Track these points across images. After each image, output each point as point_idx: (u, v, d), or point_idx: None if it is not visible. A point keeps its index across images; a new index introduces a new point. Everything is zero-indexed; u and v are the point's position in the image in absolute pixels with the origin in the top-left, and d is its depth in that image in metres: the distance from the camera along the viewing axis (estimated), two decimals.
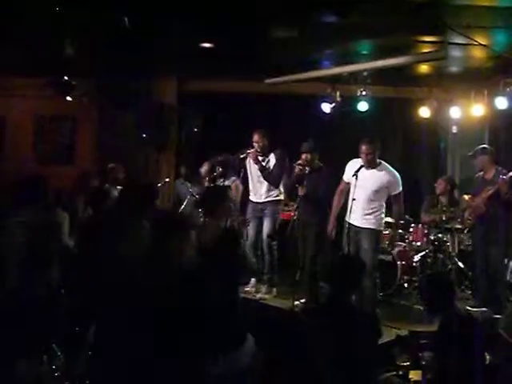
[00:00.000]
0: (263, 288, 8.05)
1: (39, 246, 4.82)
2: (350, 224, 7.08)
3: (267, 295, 7.95)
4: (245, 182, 8.35)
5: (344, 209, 7.20)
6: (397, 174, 7.12)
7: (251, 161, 8.12)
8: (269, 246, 8.07)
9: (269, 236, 7.98)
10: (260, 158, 8.03)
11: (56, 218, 5.52)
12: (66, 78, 8.79)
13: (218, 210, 5.49)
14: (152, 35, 7.13)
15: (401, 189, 7.10)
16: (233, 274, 4.38)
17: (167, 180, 9.37)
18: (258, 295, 7.95)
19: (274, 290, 8.05)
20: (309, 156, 7.55)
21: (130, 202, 5.16)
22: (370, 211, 7.06)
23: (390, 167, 7.13)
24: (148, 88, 9.84)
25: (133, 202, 5.11)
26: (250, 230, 8.16)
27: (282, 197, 8.18)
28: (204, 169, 8.55)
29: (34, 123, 10.37)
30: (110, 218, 5.19)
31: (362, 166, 6.99)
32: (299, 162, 7.56)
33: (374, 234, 7.06)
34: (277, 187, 8.07)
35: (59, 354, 4.47)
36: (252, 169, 8.20)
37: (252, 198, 8.26)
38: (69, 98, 9.21)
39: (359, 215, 7.07)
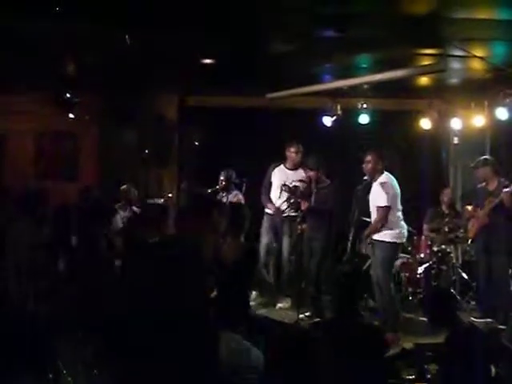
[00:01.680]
0: (282, 299, 8.09)
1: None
2: (371, 239, 7.09)
3: (284, 304, 8.00)
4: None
5: (345, 222, 7.20)
6: (387, 187, 6.97)
7: (277, 174, 8.16)
8: (288, 260, 8.11)
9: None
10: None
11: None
12: (68, 95, 8.84)
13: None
14: (153, 51, 7.16)
15: (385, 204, 6.93)
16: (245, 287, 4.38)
17: (170, 195, 9.39)
18: (278, 305, 8.02)
19: (289, 300, 8.06)
20: (314, 174, 7.57)
21: None
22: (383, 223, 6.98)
23: (389, 179, 7.05)
24: (149, 104, 9.87)
25: None
26: (265, 243, 8.18)
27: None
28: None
29: (36, 140, 10.38)
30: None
31: (366, 180, 7.02)
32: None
33: (388, 246, 6.96)
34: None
35: (64, 372, 4.45)
36: (277, 181, 8.17)
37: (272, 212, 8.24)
38: (71, 115, 9.25)
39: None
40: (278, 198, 8.11)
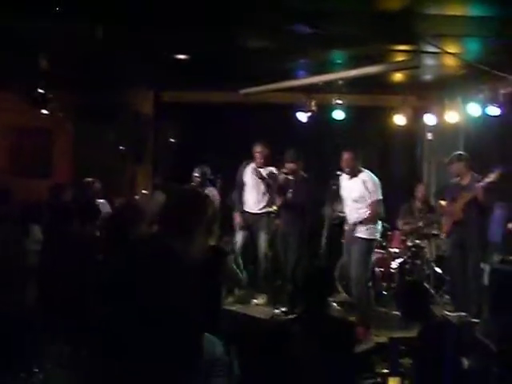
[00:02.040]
0: (258, 295, 8.09)
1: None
2: (346, 233, 7.13)
3: (260, 300, 8.01)
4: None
5: (319, 218, 7.22)
6: (375, 180, 7.09)
7: (249, 172, 8.14)
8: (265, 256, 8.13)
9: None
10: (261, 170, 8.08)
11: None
12: (41, 90, 8.74)
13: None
14: (126, 47, 7.11)
15: (379, 196, 7.06)
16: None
17: (144, 192, 9.34)
18: (253, 302, 8.02)
19: (265, 296, 8.07)
20: (294, 165, 7.59)
21: None
22: (360, 220, 7.01)
23: (369, 174, 7.11)
24: (124, 100, 9.81)
25: None
26: (240, 240, 8.18)
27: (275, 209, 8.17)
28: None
29: (9, 137, 10.27)
30: None
31: (339, 175, 7.03)
32: (284, 170, 7.60)
33: (365, 243, 6.99)
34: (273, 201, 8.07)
35: (36, 370, 4.43)
36: (250, 179, 8.20)
37: (249, 209, 8.25)
38: (44, 111, 9.15)
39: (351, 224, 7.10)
40: (253, 196, 8.14)
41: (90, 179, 8.58)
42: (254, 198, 8.15)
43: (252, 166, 8.18)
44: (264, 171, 8.07)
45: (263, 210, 8.09)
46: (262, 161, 8.05)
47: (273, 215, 7.84)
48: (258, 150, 8.09)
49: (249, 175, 8.19)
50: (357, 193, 7.03)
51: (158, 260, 3.16)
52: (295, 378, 3.04)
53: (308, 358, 3.16)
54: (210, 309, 4.11)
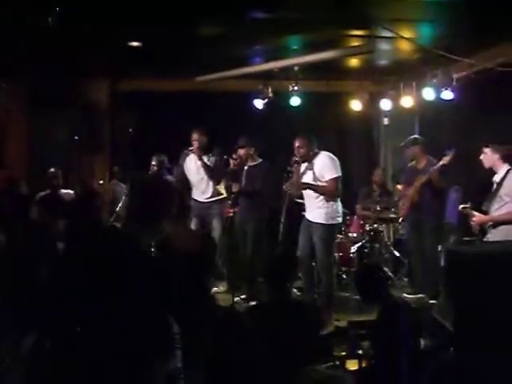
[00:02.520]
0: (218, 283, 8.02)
1: None
2: (305, 219, 7.06)
3: (220, 288, 7.93)
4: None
5: (280, 204, 7.18)
6: (331, 159, 6.93)
7: (192, 160, 8.08)
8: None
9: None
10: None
11: None
12: None
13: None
14: (78, 35, 6.98)
15: (335, 175, 6.86)
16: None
17: (101, 182, 9.23)
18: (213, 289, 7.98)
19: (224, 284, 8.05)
20: (245, 151, 7.55)
21: None
22: (319, 204, 6.90)
23: (326, 154, 6.97)
24: (79, 89, 9.64)
25: None
26: (194, 226, 8.14)
27: (225, 194, 8.17)
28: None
29: None
30: None
31: (296, 161, 6.98)
32: (234, 156, 7.56)
33: (326, 228, 6.86)
34: (218, 184, 8.06)
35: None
36: (193, 167, 8.14)
37: (197, 197, 8.21)
38: None
39: (310, 209, 7.01)
40: (199, 185, 8.14)
41: (53, 169, 8.43)
42: (199, 187, 8.12)
43: (191, 155, 8.12)
44: (206, 158, 8.03)
45: (211, 199, 8.06)
46: (199, 148, 7.99)
47: (228, 202, 7.81)
48: (194, 137, 8.01)
49: (192, 163, 8.14)
50: (310, 178, 6.94)
51: (121, 251, 3.11)
52: (255, 365, 3.03)
53: (270, 345, 3.15)
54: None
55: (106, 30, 6.94)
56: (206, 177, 8.06)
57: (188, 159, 8.18)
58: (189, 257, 3.55)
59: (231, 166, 7.57)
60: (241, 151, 7.58)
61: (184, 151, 8.18)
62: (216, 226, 8.02)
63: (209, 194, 8.09)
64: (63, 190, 8.26)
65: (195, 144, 7.99)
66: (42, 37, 6.83)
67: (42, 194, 8.10)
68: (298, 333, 4.05)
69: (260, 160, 7.70)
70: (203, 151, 8.03)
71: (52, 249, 4.61)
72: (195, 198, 8.21)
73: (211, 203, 8.08)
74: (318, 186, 6.86)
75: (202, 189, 8.08)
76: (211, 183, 8.07)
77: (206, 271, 3.90)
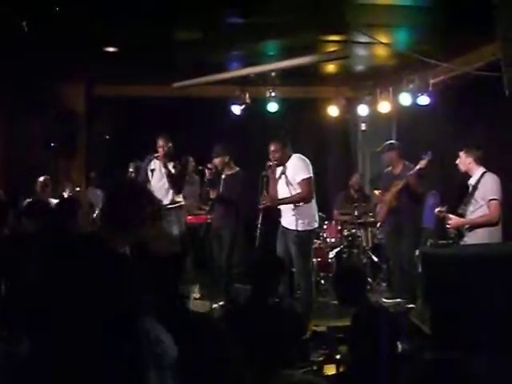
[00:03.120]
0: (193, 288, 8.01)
1: None
2: (281, 225, 7.00)
3: (197, 294, 7.85)
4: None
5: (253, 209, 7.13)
6: (301, 160, 6.84)
7: (157, 165, 8.01)
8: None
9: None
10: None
11: None
12: None
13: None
14: (53, 40, 6.92)
15: (306, 175, 6.74)
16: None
17: (78, 189, 9.15)
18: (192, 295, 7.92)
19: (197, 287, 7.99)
20: (220, 160, 7.54)
21: None
22: (293, 212, 6.76)
23: (297, 156, 6.89)
24: (54, 94, 9.56)
25: None
26: None
27: (183, 202, 8.13)
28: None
29: None
30: None
31: (271, 166, 6.94)
32: (210, 165, 7.55)
33: (301, 234, 6.73)
34: (179, 193, 8.00)
35: None
36: (156, 173, 8.05)
37: None
38: None
39: (285, 216, 6.94)
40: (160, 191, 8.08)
41: (42, 178, 8.36)
42: (158, 194, 8.05)
43: (157, 160, 8.02)
44: (170, 165, 7.95)
45: (169, 206, 8.00)
46: (165, 155, 7.91)
47: (207, 208, 7.79)
48: (160, 144, 7.89)
49: (156, 169, 8.03)
50: (283, 182, 6.86)
51: (94, 257, 3.08)
52: (230, 368, 3.00)
53: (245, 348, 3.12)
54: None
55: (82, 34, 6.88)
56: (166, 184, 7.96)
57: (152, 163, 8.06)
58: (162, 259, 3.52)
59: (207, 175, 7.56)
60: (216, 160, 7.57)
61: (148, 156, 8.08)
62: (176, 230, 7.98)
63: (167, 202, 7.99)
64: (52, 199, 8.16)
65: (160, 151, 7.90)
66: (17, 41, 6.76)
67: (29, 200, 7.99)
68: (273, 337, 4.01)
69: (237, 169, 7.67)
70: (168, 158, 7.94)
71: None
72: None
73: (169, 210, 8.00)
74: (291, 197, 6.81)
75: (161, 195, 7.97)
76: (171, 191, 7.99)
77: (178, 274, 3.87)
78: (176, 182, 7.92)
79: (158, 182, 8.01)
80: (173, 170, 7.91)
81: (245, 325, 3.92)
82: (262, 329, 3.98)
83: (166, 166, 7.88)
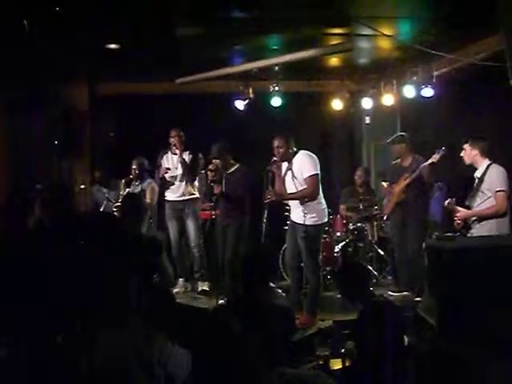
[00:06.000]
0: (199, 284, 8.10)
1: None
2: (290, 219, 7.02)
3: (205, 287, 8.01)
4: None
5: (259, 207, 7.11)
6: (309, 157, 6.84)
7: (170, 158, 8.14)
8: (198, 244, 8.09)
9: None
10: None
11: None
12: None
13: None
14: (55, 37, 6.90)
15: (313, 172, 6.75)
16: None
17: (82, 187, 9.16)
18: (200, 289, 8.05)
19: (207, 283, 8.06)
20: (220, 160, 7.54)
21: None
22: (302, 206, 6.77)
23: (304, 153, 6.89)
24: (57, 92, 9.54)
25: None
26: (172, 229, 8.12)
27: (197, 195, 8.23)
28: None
29: None
30: None
31: (275, 161, 6.93)
32: (210, 167, 7.56)
33: (310, 229, 6.74)
34: (192, 182, 8.13)
35: None
36: (170, 166, 8.16)
37: (170, 197, 8.18)
38: None
39: (293, 210, 6.95)
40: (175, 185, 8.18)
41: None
42: (175, 186, 8.12)
43: (168, 154, 8.19)
44: (185, 154, 8.09)
45: (183, 198, 8.11)
46: (180, 143, 8.03)
47: (211, 204, 7.79)
48: (173, 133, 8.08)
49: (169, 162, 8.18)
50: (289, 178, 6.87)
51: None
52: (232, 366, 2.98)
53: (243, 344, 3.10)
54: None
55: (85, 32, 6.86)
56: (179, 175, 8.07)
57: (165, 158, 8.20)
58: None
59: (209, 177, 7.59)
60: (216, 161, 7.57)
61: (161, 152, 8.21)
62: (191, 228, 8.02)
63: (180, 193, 8.09)
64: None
65: (175, 140, 8.01)
66: (18, 39, 6.75)
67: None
68: (266, 333, 3.98)
69: (237, 165, 7.65)
70: (183, 147, 8.03)
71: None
72: (167, 198, 8.20)
73: (184, 202, 8.07)
74: (296, 193, 6.82)
75: (174, 187, 8.07)
76: (183, 183, 8.05)
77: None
78: (191, 171, 8.01)
79: (171, 173, 8.09)
80: (187, 158, 8.00)
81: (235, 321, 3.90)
82: (252, 326, 3.95)
83: (181, 156, 7.97)
